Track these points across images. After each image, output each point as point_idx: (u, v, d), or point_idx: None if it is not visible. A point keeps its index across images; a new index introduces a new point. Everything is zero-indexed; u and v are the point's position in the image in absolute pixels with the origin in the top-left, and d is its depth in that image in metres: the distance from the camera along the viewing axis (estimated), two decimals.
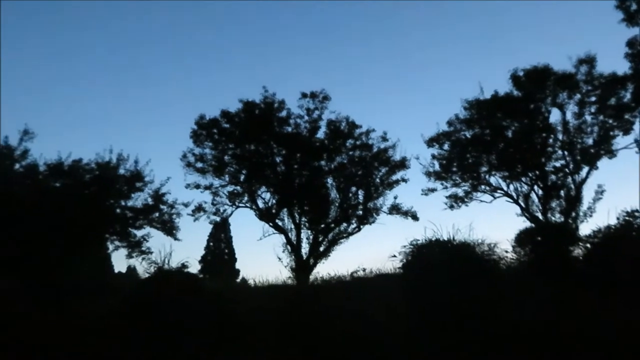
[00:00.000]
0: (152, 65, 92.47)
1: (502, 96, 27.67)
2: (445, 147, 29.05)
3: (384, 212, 28.98)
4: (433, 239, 14.56)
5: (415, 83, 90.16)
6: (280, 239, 28.25)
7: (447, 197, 29.17)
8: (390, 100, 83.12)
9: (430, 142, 29.00)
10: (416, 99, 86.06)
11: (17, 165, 24.05)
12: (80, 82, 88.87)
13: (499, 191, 28.74)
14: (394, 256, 15.02)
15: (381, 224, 29.13)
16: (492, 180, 28.84)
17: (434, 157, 29.17)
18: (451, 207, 29.15)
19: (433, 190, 29.29)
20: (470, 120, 28.41)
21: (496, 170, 28.50)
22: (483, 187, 29.00)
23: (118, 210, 24.56)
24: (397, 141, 29.21)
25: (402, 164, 29.05)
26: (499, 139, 28.02)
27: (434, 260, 13.58)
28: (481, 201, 29.21)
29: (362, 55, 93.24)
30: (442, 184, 29.16)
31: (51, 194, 22.85)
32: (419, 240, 14.68)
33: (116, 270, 33.04)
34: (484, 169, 28.73)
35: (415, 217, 28.92)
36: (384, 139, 29.15)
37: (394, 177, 29.20)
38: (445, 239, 14.50)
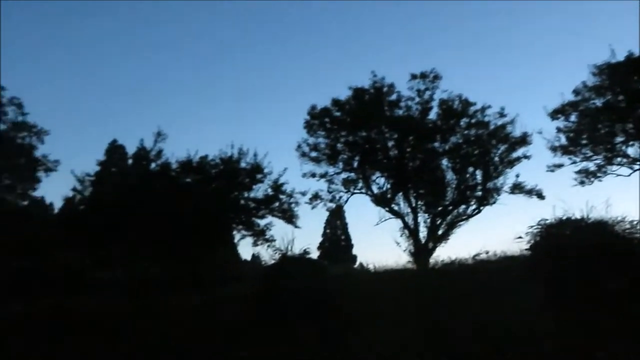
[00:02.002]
0: (262, 59, 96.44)
1: (639, 57, 24.76)
2: (572, 118, 26.75)
3: (506, 191, 27.69)
4: (564, 217, 13.62)
5: (532, 53, 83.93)
6: (397, 223, 28.18)
7: (576, 172, 26.97)
8: (506, 73, 78.39)
9: (554, 114, 26.90)
10: (535, 70, 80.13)
11: (153, 165, 26.55)
12: (199, 82, 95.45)
13: (638, 163, 25.89)
14: (520, 237, 14.32)
15: (503, 205, 27.90)
16: (630, 151, 26.03)
17: (559, 130, 27.05)
18: (582, 183, 26.90)
19: (560, 165, 27.25)
20: (601, 87, 25.82)
21: (634, 139, 25.64)
22: (619, 159, 26.29)
23: (242, 202, 26.06)
24: (516, 116, 27.74)
25: (523, 140, 27.46)
26: (636, 104, 25.14)
27: (566, 240, 12.68)
28: (617, 175, 26.56)
29: (472, 28, 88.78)
30: (570, 159, 27.02)
31: (183, 189, 24.90)
32: (547, 219, 13.84)
33: (242, 258, 35.18)
34: (620, 139, 26.01)
35: (540, 196, 27.27)
36: (502, 114, 27.79)
37: (515, 155, 27.72)
38: (578, 217, 13.48)
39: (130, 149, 30.01)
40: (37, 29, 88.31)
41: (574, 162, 26.93)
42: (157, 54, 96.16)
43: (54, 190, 45.79)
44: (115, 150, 34.00)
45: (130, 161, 30.19)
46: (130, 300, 16.61)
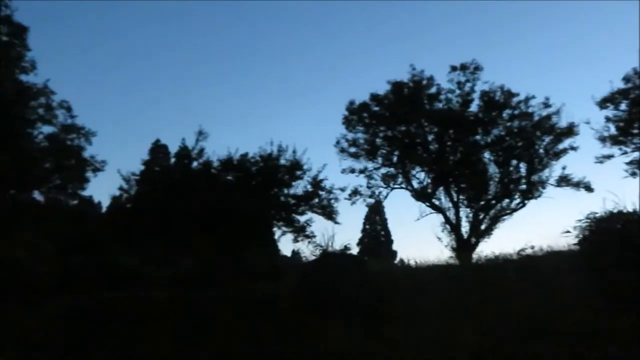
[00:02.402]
0: (298, 54, 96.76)
1: None
2: (623, 106, 25.64)
3: (551, 184, 26.95)
4: (614, 211, 13.13)
5: (579, 39, 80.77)
6: (438, 218, 27.84)
7: (627, 163, 25.85)
8: (549, 62, 75.78)
9: (603, 103, 25.85)
10: (582, 58, 77.08)
11: (194, 163, 27.04)
12: (237, 80, 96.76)
13: None
14: (568, 232, 13.91)
15: (548, 198, 27.20)
16: None
17: (608, 119, 25.98)
18: (633, 174, 25.76)
19: (609, 157, 26.17)
20: None
21: None
22: None
23: (282, 198, 26.24)
24: (562, 106, 26.91)
25: (570, 131, 26.57)
26: None
27: (617, 234, 12.21)
28: None
29: (514, 17, 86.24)
30: (620, 149, 25.89)
31: (224, 187, 25.30)
32: (596, 213, 13.37)
33: (282, 255, 35.43)
34: None
35: (588, 188, 26.34)
36: (546, 105, 27.00)
37: (561, 146, 26.92)
38: (630, 210, 12.96)
39: (173, 148, 30.75)
40: (77, 30, 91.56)
41: (625, 153, 25.82)
42: (194, 51, 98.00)
43: (102, 189, 47.97)
44: (158, 149, 34.92)
45: (173, 160, 30.89)
46: (176, 293, 17.05)
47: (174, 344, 10.89)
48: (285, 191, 26.42)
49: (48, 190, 25.35)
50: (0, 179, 22.88)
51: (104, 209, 38.82)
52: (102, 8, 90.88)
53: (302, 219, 26.21)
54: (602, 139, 26.01)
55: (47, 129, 24.79)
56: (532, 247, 17.97)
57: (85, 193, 29.03)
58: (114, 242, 24.33)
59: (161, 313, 14.06)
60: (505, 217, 27.55)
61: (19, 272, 20.16)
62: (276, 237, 27.36)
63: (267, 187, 25.62)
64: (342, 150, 28.88)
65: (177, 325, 12.61)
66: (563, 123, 26.67)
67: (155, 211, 23.05)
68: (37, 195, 25.29)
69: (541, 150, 27.04)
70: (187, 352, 10.39)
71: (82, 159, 25.50)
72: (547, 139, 26.98)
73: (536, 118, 27.02)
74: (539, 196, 27.07)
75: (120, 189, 26.50)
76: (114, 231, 24.73)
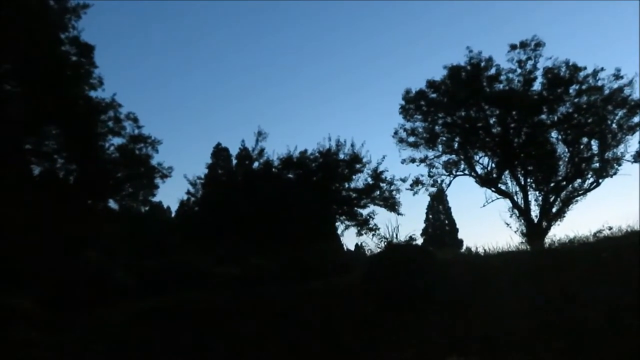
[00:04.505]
0: (351, 47, 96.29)
1: None
2: None
3: (628, 160, 25.44)
4: None
5: None
6: (506, 203, 26.97)
7: None
8: (618, 32, 71.06)
9: None
10: None
11: (256, 164, 27.64)
12: (292, 78, 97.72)
13: None
14: None
15: (625, 175, 25.63)
16: None
17: None
18: None
19: None
20: None
21: None
22: None
23: (343, 193, 26.33)
24: (635, 76, 25.20)
25: None
26: None
27: None
28: None
29: None
30: None
31: (286, 184, 25.71)
32: None
33: (346, 249, 35.53)
34: None
35: None
36: (617, 76, 25.41)
37: (636, 119, 25.23)
38: None
39: (234, 150, 31.57)
40: (135, 39, 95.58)
41: None
42: (249, 53, 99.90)
43: (171, 194, 50.06)
44: (220, 152, 35.90)
45: (234, 162, 31.70)
46: (245, 292, 17.48)
47: (246, 343, 11.16)
48: (346, 185, 26.50)
49: (121, 198, 26.70)
50: (78, 190, 24.36)
51: (173, 213, 40.45)
52: (159, 16, 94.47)
53: (364, 212, 26.24)
54: None
55: (116, 141, 26.10)
56: (610, 228, 17.06)
57: (155, 199, 30.37)
58: (185, 244, 25.29)
59: (231, 312, 14.46)
60: (578, 198, 26.32)
61: (97, 276, 21.38)
62: (339, 231, 27.50)
63: (328, 183, 25.77)
64: (401, 140, 28.55)
65: (248, 323, 12.91)
66: (637, 94, 25.12)
67: (221, 212, 23.76)
68: (112, 204, 26.73)
69: (614, 125, 25.55)
70: (261, 349, 10.61)
71: (151, 167, 26.62)
72: (620, 112, 25.46)
73: (607, 91, 25.52)
74: (615, 174, 25.65)
75: (188, 192, 27.52)
76: (184, 233, 25.73)
